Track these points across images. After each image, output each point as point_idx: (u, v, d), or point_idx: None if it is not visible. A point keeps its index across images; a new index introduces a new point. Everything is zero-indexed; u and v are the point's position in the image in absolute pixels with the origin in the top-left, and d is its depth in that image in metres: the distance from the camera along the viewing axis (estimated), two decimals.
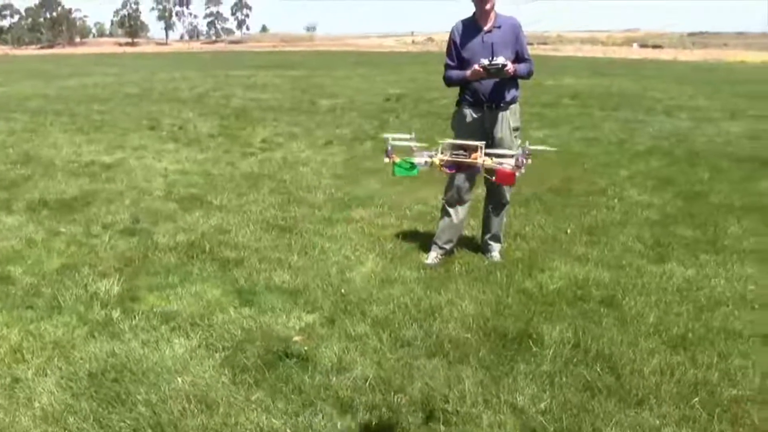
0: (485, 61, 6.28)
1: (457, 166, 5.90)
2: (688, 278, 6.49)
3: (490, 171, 5.54)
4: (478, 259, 6.87)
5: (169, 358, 4.82)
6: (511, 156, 5.44)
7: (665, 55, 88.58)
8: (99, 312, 5.57)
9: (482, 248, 7.11)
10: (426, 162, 5.82)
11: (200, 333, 5.21)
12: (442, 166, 5.82)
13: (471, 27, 6.63)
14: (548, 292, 6.07)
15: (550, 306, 5.77)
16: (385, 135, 5.61)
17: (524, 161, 5.67)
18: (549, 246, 7.36)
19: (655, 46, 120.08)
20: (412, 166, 5.78)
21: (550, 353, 4.91)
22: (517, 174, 5.55)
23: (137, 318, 5.45)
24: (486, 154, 5.55)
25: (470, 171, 6.10)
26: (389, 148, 5.69)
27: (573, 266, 6.71)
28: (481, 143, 5.98)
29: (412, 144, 5.63)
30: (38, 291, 6.03)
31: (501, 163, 5.69)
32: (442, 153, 5.78)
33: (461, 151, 5.87)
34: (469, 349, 4.97)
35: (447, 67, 6.74)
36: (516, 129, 6.74)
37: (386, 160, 5.81)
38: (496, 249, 7.04)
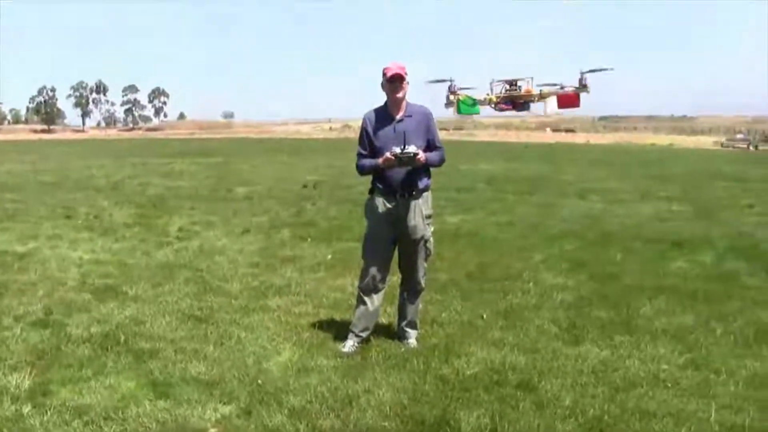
0: (397, 150, 6.37)
1: (512, 101, 5.98)
2: (602, 360, 6.58)
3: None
4: (394, 347, 6.87)
5: None
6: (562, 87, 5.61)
7: (578, 138, 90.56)
8: (9, 407, 5.43)
9: (399, 335, 7.12)
10: (485, 98, 5.89)
11: (114, 427, 5.12)
12: (497, 102, 5.90)
13: (383, 116, 6.74)
14: (465, 378, 6.10)
15: (467, 392, 5.79)
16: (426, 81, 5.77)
17: (585, 83, 5.76)
18: (465, 331, 7.39)
19: (567, 131, 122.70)
20: (474, 102, 5.87)
21: None
22: (579, 95, 5.63)
23: (49, 413, 5.32)
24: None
25: (523, 108, 6.21)
26: (454, 85, 5.79)
27: (489, 351, 6.74)
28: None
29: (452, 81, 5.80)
30: None
31: (562, 87, 5.78)
32: (494, 90, 5.90)
33: (513, 87, 5.98)
34: None
35: (359, 156, 6.81)
36: (428, 216, 6.84)
37: (451, 97, 5.87)
38: (412, 336, 7.07)
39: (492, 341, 7.07)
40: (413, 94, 6.84)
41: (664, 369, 6.36)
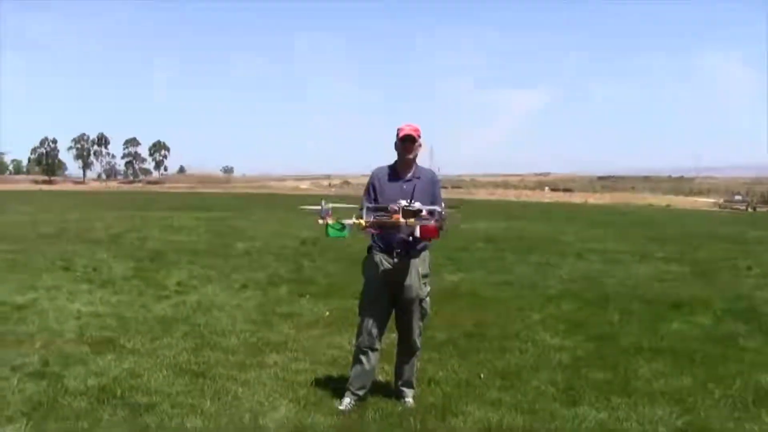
0: (403, 203, 6.41)
1: (381, 226, 6.05)
2: (600, 421, 6.56)
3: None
4: (391, 405, 6.86)
5: None
6: (430, 214, 5.72)
7: (576, 198, 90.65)
8: None
9: (396, 394, 7.12)
10: (353, 223, 5.97)
11: None
12: (366, 226, 5.98)
13: (392, 174, 6.83)
14: None
15: None
16: (300, 206, 5.83)
17: (444, 217, 5.87)
18: (463, 391, 7.38)
19: (566, 190, 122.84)
20: (343, 227, 5.95)
21: None
22: (439, 228, 5.78)
23: None
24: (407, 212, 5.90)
25: (393, 231, 6.23)
26: (322, 210, 5.85)
27: (487, 411, 6.72)
28: (400, 204, 6.15)
29: (326, 205, 5.86)
30: None
31: (424, 219, 5.87)
32: (365, 215, 5.97)
33: (383, 213, 6.02)
34: None
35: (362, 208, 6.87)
36: (425, 276, 6.87)
37: (320, 222, 5.94)
38: (409, 395, 7.06)
39: (489, 401, 7.05)
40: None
41: None
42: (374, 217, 6.13)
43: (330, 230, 6.02)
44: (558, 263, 18.63)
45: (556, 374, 8.09)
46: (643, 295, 13.52)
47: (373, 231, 6.25)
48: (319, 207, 6.19)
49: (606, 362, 8.62)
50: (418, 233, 6.23)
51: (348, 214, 6.45)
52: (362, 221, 6.14)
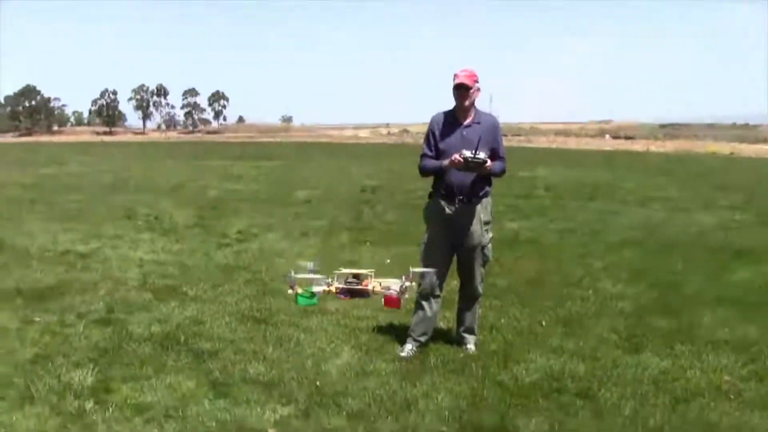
0: (468, 153, 6.33)
1: (350, 293, 6.07)
2: (663, 369, 6.49)
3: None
4: (453, 351, 6.85)
5: None
6: (396, 283, 5.71)
7: (637, 146, 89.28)
8: (72, 403, 5.50)
9: (457, 340, 7.11)
10: (324, 291, 6.00)
11: (174, 425, 5.16)
12: (337, 293, 6.00)
13: (451, 119, 6.73)
14: (524, 385, 6.06)
15: (525, 398, 5.75)
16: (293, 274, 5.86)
17: (407, 287, 5.86)
18: (524, 338, 7.34)
19: (627, 138, 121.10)
20: (312, 295, 5.98)
21: None
22: (401, 299, 5.77)
23: (111, 409, 5.39)
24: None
25: (361, 296, 6.24)
26: (292, 280, 5.85)
27: (548, 358, 6.69)
28: (371, 271, 6.13)
29: (312, 276, 5.86)
30: (10, 381, 5.95)
31: (388, 288, 5.87)
32: (336, 281, 5.99)
33: (354, 279, 6.03)
34: None
35: (424, 156, 6.81)
36: (487, 223, 6.82)
37: (290, 291, 5.98)
38: (471, 341, 7.04)
39: (551, 348, 7.01)
40: None
41: (726, 380, 6.26)
42: (345, 283, 6.15)
43: (300, 299, 6.08)
44: (620, 211, 18.44)
45: (618, 322, 8.02)
46: (706, 243, 13.32)
47: (343, 297, 6.27)
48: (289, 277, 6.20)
49: (669, 310, 8.52)
50: (382, 302, 6.22)
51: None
52: (332, 288, 6.16)
